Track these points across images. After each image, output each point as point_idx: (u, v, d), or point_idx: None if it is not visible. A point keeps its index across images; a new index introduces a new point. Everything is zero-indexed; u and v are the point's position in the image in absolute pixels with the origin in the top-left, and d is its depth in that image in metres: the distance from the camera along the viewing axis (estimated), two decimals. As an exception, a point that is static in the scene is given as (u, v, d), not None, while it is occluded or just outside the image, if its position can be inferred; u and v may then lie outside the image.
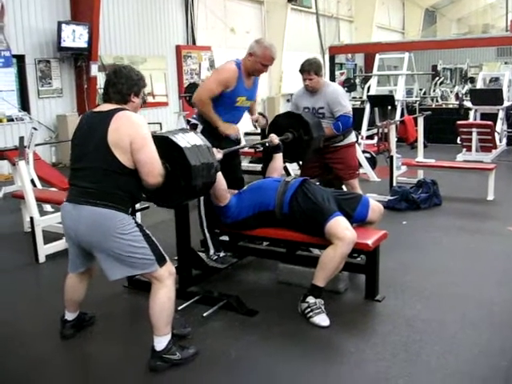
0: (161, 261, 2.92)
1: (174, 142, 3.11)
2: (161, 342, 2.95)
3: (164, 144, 3.09)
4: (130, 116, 2.86)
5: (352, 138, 5.14)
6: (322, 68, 4.85)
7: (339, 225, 3.54)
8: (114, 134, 2.79)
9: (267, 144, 4.39)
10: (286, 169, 6.81)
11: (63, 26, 10.10)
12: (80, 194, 2.87)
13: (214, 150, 3.41)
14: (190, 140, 3.17)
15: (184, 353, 3.03)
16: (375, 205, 4.01)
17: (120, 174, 2.83)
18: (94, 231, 2.84)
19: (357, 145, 7.26)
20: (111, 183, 2.83)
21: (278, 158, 4.35)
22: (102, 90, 3.05)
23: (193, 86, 10.02)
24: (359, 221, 3.93)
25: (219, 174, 3.58)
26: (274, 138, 4.31)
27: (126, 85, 2.95)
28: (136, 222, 2.93)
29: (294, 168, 6.53)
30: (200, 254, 4.17)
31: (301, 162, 5.51)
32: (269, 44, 4.18)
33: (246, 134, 9.54)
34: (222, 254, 4.26)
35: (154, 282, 2.94)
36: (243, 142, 5.26)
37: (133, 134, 2.79)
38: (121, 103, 2.95)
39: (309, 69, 4.75)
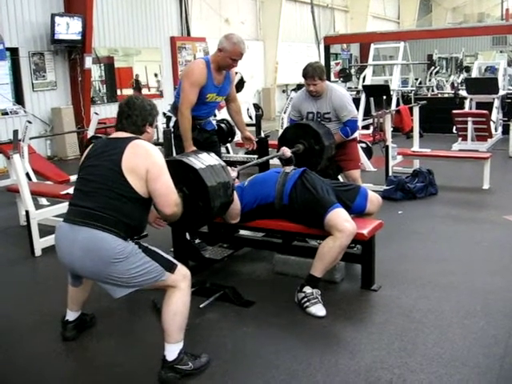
0: (170, 268, 2.82)
1: (188, 165, 3.12)
2: (172, 351, 2.80)
3: (179, 167, 3.10)
4: (146, 145, 2.83)
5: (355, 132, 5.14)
6: (325, 72, 4.78)
7: (339, 216, 3.55)
8: (130, 160, 2.74)
9: (280, 157, 4.40)
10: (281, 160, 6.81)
11: (56, 18, 10.04)
12: (79, 214, 2.76)
13: (229, 168, 3.41)
14: (204, 161, 3.18)
15: (196, 362, 2.87)
16: (374, 196, 4.01)
17: (128, 200, 2.74)
18: (91, 256, 2.69)
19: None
20: (116, 208, 2.73)
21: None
22: (116, 121, 2.99)
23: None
24: (358, 212, 3.94)
25: (235, 195, 3.58)
26: (286, 151, 4.32)
27: (140, 116, 2.93)
28: (134, 242, 2.81)
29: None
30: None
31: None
32: (238, 39, 4.19)
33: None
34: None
35: (168, 289, 2.83)
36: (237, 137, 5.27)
37: (149, 162, 2.75)
38: (136, 134, 2.92)
39: (313, 74, 4.65)
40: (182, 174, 3.08)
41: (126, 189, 2.74)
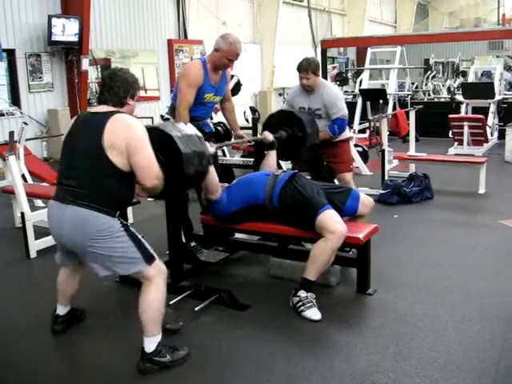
0: (149, 259, 2.88)
1: (164, 132, 3.15)
2: (150, 344, 2.89)
3: (155, 134, 3.12)
4: (126, 118, 2.85)
5: (346, 133, 5.15)
6: (319, 68, 4.83)
7: (330, 218, 3.55)
8: (110, 135, 2.76)
9: (262, 141, 4.41)
10: (278, 163, 6.81)
11: (53, 19, 10.02)
12: (66, 193, 2.84)
13: (207, 143, 3.42)
14: (181, 130, 3.21)
15: (174, 355, 2.97)
16: (365, 198, 4.01)
17: (111, 176, 2.79)
18: (78, 231, 2.80)
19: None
20: (99, 184, 2.80)
21: (272, 154, 4.36)
22: (98, 93, 3.05)
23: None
24: (349, 214, 3.94)
25: (212, 168, 3.61)
26: (268, 135, 4.34)
27: (122, 88, 2.96)
28: (121, 223, 2.87)
29: (286, 162, 6.54)
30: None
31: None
32: (234, 39, 4.19)
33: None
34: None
35: (144, 281, 2.91)
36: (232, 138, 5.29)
37: (129, 136, 2.78)
38: (117, 106, 2.95)
39: (307, 68, 4.72)
40: (158, 140, 3.11)
41: (108, 165, 2.78)
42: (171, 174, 3.12)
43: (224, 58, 4.17)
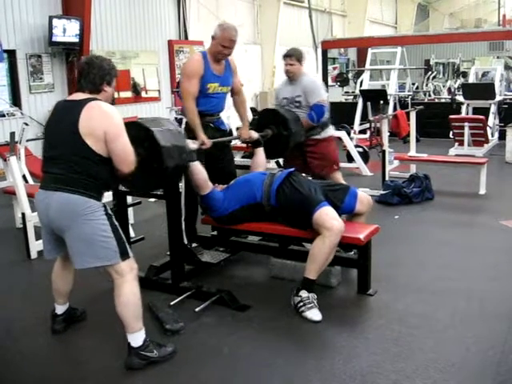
0: (124, 255, 2.92)
1: (144, 126, 3.20)
2: (135, 339, 2.94)
3: (136, 129, 3.17)
4: (102, 106, 2.89)
5: (330, 131, 5.16)
6: (304, 58, 5.03)
7: (326, 215, 3.55)
8: (86, 123, 2.81)
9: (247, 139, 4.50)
10: (278, 163, 6.82)
11: (54, 20, 10.01)
12: (51, 180, 2.91)
13: (190, 140, 3.52)
14: (162, 125, 3.27)
15: (162, 351, 3.00)
16: (363, 196, 4.01)
17: (91, 161, 2.85)
18: (63, 216, 2.86)
19: (349, 139, 7.30)
20: (82, 170, 2.85)
21: (260, 152, 4.42)
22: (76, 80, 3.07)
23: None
24: (347, 212, 3.94)
25: (197, 164, 3.70)
26: (253, 134, 4.44)
27: (98, 75, 2.99)
28: (106, 211, 2.93)
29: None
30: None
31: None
32: (228, 26, 4.23)
33: (238, 128, 9.52)
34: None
35: (116, 278, 2.93)
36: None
37: (107, 124, 2.82)
38: (94, 93, 2.98)
39: (291, 54, 4.96)
40: (138, 136, 3.14)
41: (87, 151, 2.84)
42: (152, 169, 3.17)
43: (218, 44, 4.19)
